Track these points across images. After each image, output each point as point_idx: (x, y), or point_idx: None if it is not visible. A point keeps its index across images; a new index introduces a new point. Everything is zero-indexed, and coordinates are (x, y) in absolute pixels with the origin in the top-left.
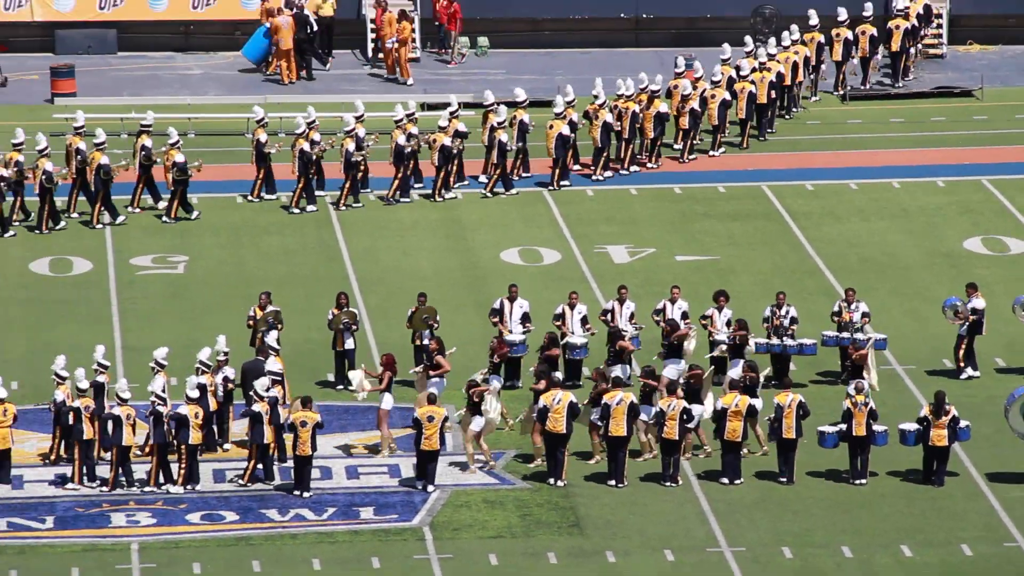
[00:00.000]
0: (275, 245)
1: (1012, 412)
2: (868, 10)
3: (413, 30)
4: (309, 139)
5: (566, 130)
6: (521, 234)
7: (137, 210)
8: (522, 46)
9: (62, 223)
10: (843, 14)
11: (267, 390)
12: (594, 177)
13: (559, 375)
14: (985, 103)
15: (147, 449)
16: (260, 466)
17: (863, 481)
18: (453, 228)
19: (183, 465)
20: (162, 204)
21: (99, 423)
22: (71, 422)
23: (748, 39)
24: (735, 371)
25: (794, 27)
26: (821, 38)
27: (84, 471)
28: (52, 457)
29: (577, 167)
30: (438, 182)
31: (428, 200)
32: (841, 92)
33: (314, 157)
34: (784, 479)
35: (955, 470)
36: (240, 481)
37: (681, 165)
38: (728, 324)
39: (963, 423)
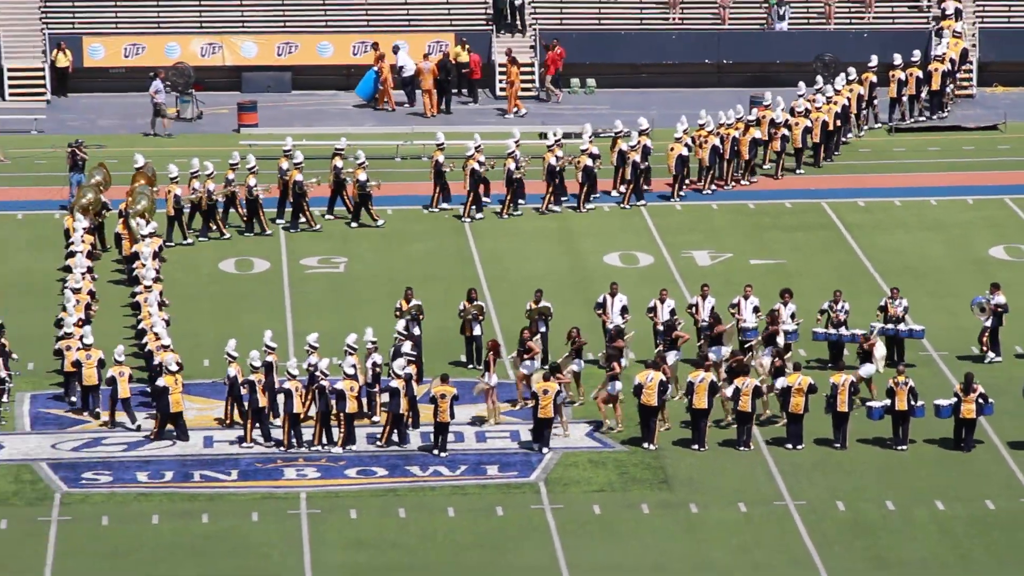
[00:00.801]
0: (418, 249)
1: None
2: (916, 56)
3: (522, 72)
4: (476, 160)
5: (684, 152)
6: (620, 241)
7: (331, 217)
8: (623, 86)
9: (268, 231)
10: (897, 59)
11: (403, 369)
12: (704, 191)
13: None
14: (1008, 135)
15: (312, 416)
16: (396, 432)
17: (904, 447)
18: (564, 236)
19: (342, 430)
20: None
21: (270, 394)
22: (242, 393)
23: (819, 79)
24: (766, 357)
25: (851, 69)
26: (875, 78)
27: (261, 433)
28: (227, 421)
29: (687, 182)
30: (547, 197)
31: (573, 211)
32: (892, 124)
33: (482, 174)
34: (838, 445)
35: (980, 438)
36: (379, 443)
37: (750, 185)
38: (792, 316)
39: (989, 400)
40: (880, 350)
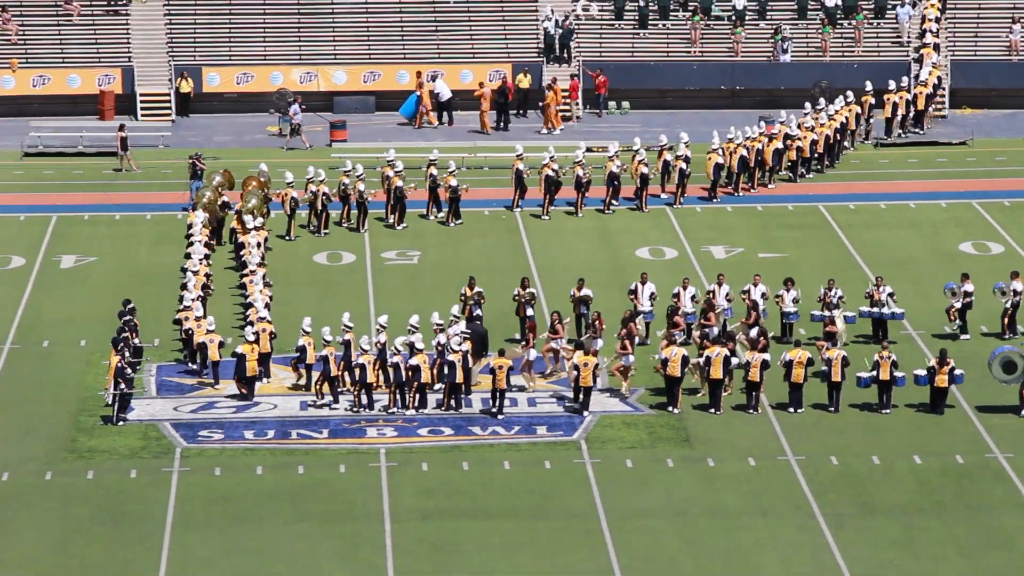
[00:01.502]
0: (481, 244)
1: (994, 365)
2: (904, 81)
3: (564, 93)
4: (551, 168)
5: (720, 160)
6: (650, 237)
7: (431, 218)
8: (652, 107)
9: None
10: (892, 84)
11: (460, 345)
12: (738, 194)
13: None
14: (975, 149)
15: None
16: (453, 399)
17: (887, 411)
18: (603, 233)
19: (413, 396)
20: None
21: (345, 366)
22: (309, 362)
23: (822, 100)
24: (753, 333)
25: (849, 93)
26: (872, 100)
27: (333, 399)
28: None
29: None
30: (608, 199)
31: (601, 213)
32: (878, 140)
33: (559, 180)
34: (832, 409)
35: (951, 403)
36: (440, 409)
37: (756, 191)
38: (795, 301)
39: (959, 371)
40: (840, 325)
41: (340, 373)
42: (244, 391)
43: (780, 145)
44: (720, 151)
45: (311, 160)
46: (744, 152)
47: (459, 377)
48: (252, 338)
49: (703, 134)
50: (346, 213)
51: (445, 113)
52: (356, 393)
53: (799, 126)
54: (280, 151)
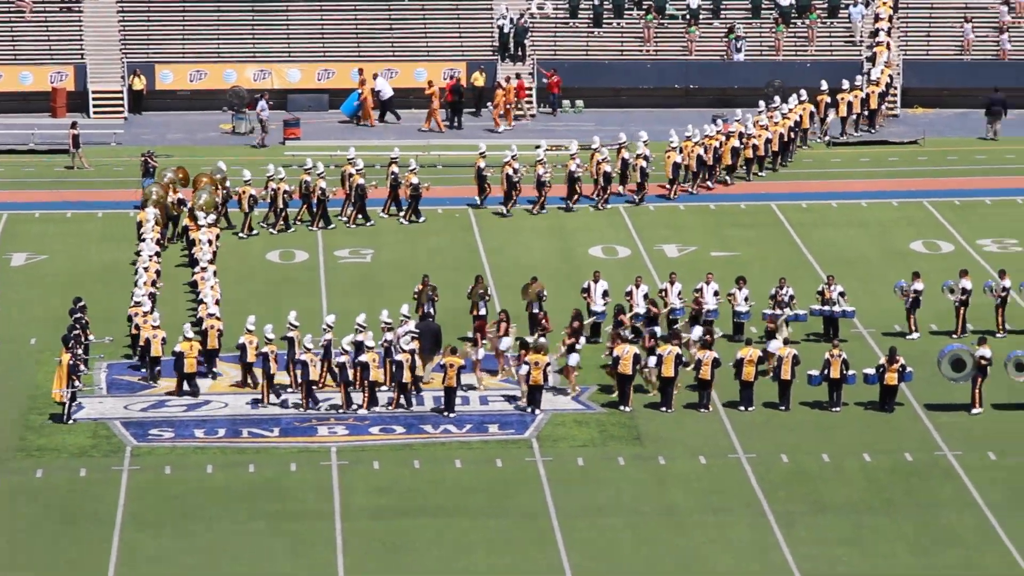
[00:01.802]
0: (434, 242)
1: (943, 363)
2: (858, 80)
3: (529, 91)
4: (512, 165)
5: (679, 159)
6: (603, 236)
7: (386, 215)
8: (607, 106)
9: (332, 224)
10: (846, 83)
11: (408, 344)
12: (693, 191)
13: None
14: (926, 149)
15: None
16: (403, 398)
17: (837, 409)
18: (557, 231)
19: (366, 395)
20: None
21: (292, 365)
22: (248, 360)
23: (777, 98)
24: (697, 332)
25: (803, 91)
26: (828, 99)
27: (273, 395)
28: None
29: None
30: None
31: (563, 211)
32: (830, 139)
33: (545, 178)
34: (783, 407)
35: (901, 401)
36: (389, 408)
37: (710, 189)
38: (746, 299)
39: (909, 369)
40: (782, 331)
41: (292, 371)
42: (190, 389)
43: (738, 143)
44: (679, 150)
45: (270, 158)
46: (701, 151)
47: (407, 376)
48: (190, 335)
49: (658, 133)
50: (307, 211)
51: (389, 111)
52: (302, 392)
53: (755, 124)
54: (236, 148)
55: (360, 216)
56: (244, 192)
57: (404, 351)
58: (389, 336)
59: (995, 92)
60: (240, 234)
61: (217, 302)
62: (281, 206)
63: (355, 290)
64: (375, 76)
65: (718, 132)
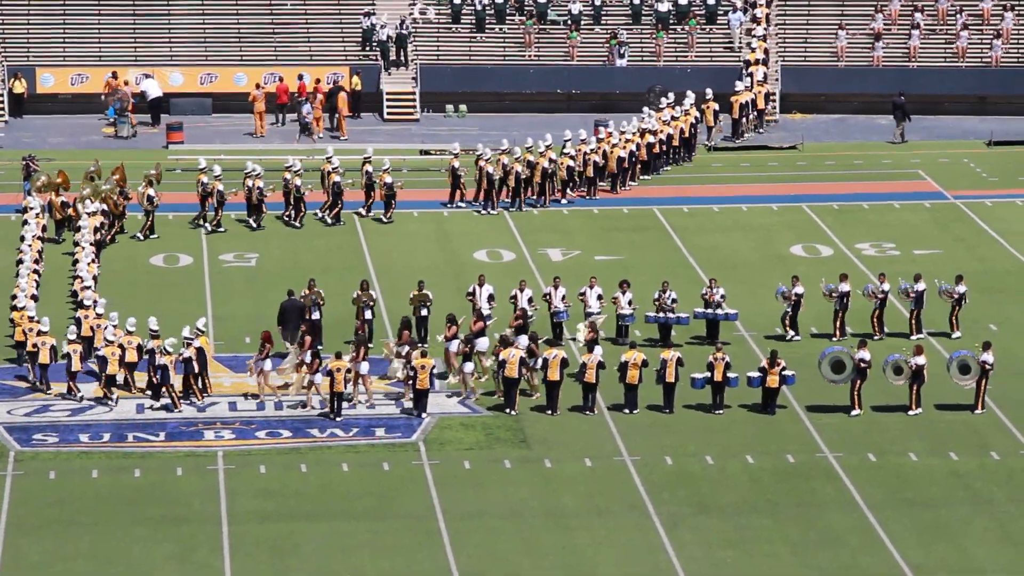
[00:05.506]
0: (319, 246)
1: (823, 365)
2: (748, 82)
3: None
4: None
5: (572, 163)
6: (488, 240)
7: (366, 213)
8: (489, 111)
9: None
10: (739, 86)
11: (172, 347)
12: (589, 197)
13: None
14: (805, 153)
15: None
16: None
17: (721, 411)
18: (442, 236)
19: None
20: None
21: (152, 369)
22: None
23: (663, 102)
24: (581, 333)
25: (691, 93)
26: (716, 106)
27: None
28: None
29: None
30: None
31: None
32: (711, 144)
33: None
34: (667, 410)
35: (783, 404)
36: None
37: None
38: (630, 303)
39: (790, 372)
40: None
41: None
42: (77, 390)
43: (633, 148)
44: (572, 155)
45: (149, 161)
46: (598, 158)
47: (173, 379)
48: (73, 336)
49: (540, 137)
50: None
51: (156, 111)
52: (172, 395)
53: (642, 132)
54: (117, 152)
55: (333, 214)
56: (212, 187)
57: (168, 353)
58: (152, 344)
59: (899, 96)
60: (206, 225)
61: (34, 297)
62: (255, 202)
63: (239, 294)
64: (137, 79)
65: (610, 135)
